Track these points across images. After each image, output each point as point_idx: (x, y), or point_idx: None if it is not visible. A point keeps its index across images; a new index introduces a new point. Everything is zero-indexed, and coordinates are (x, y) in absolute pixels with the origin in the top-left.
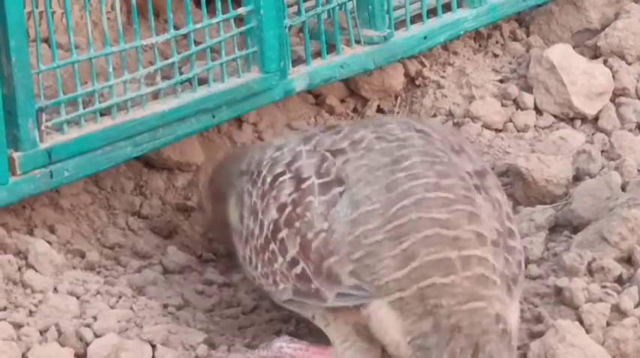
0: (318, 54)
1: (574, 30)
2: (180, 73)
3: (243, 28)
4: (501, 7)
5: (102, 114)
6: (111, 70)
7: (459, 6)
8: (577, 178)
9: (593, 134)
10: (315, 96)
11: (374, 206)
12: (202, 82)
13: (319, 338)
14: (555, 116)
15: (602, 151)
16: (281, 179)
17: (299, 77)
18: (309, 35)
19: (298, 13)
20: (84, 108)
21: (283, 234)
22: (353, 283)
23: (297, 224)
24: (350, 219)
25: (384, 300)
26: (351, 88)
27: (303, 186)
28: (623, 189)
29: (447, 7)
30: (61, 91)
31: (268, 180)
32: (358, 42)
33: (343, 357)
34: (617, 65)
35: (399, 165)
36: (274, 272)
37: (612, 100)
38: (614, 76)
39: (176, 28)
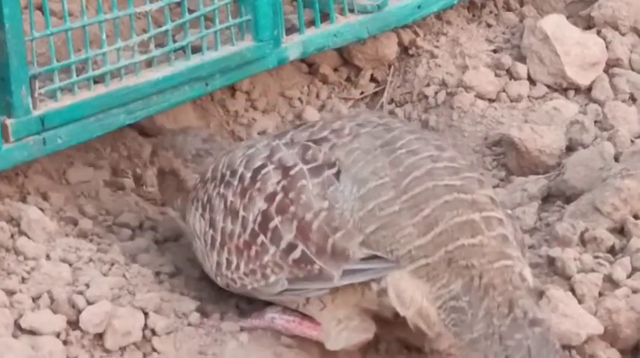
0: (311, 22)
1: (567, 0)
2: (174, 41)
3: None
4: None
5: (95, 82)
6: (104, 37)
7: None
8: (570, 148)
9: (586, 104)
10: (309, 65)
11: (383, 180)
12: (196, 50)
13: None
14: (549, 86)
15: (596, 122)
16: (263, 171)
17: (292, 46)
18: (302, 3)
19: None
20: (77, 75)
21: (276, 222)
22: (365, 254)
23: (291, 208)
24: (358, 196)
25: (404, 270)
26: (345, 57)
27: (292, 172)
28: (616, 159)
29: None
30: (55, 59)
31: (248, 175)
32: (352, 11)
33: (338, 338)
34: (611, 36)
35: (394, 145)
36: (264, 265)
37: (606, 71)
38: (607, 47)
39: None
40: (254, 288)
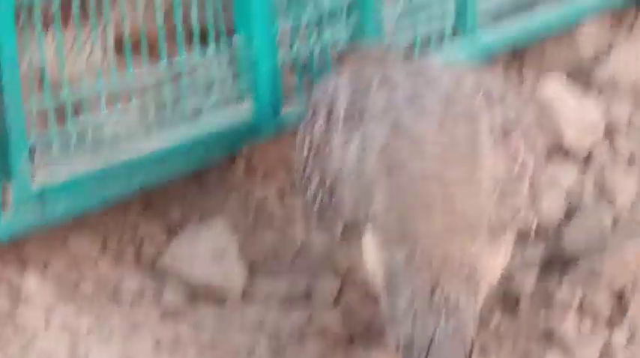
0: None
1: (567, 63)
2: (173, 108)
3: (236, 63)
4: (494, 42)
5: (96, 151)
6: (104, 105)
7: (451, 39)
8: (568, 214)
9: (584, 169)
10: None
11: (375, 142)
12: (195, 117)
13: None
14: (547, 151)
15: (594, 187)
16: (319, 110)
17: (292, 113)
18: (301, 70)
19: (291, 49)
20: (77, 144)
21: (310, 165)
22: (351, 216)
23: (319, 156)
24: (356, 154)
25: (373, 232)
26: None
27: (332, 118)
28: (615, 225)
29: (439, 40)
30: (55, 127)
31: (311, 111)
32: None
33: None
34: (610, 99)
35: (412, 106)
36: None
37: (605, 135)
38: (606, 110)
39: (169, 62)
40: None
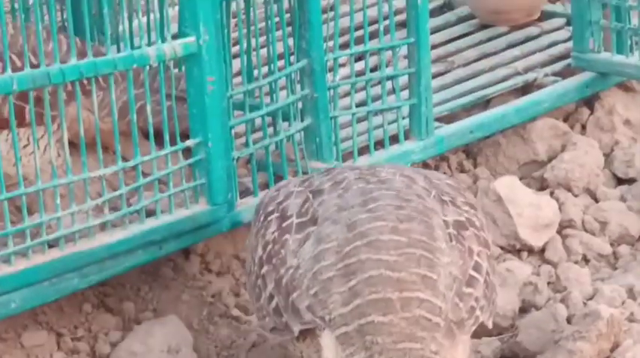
0: (266, 185)
1: (521, 161)
2: (129, 205)
3: (191, 160)
4: (449, 139)
5: (49, 246)
6: (58, 202)
7: (407, 138)
8: (523, 310)
9: (539, 266)
10: None
11: (332, 244)
12: (150, 213)
13: None
14: (502, 247)
15: (549, 283)
16: (270, 218)
17: (246, 209)
18: (256, 167)
19: (246, 144)
20: (31, 239)
21: (264, 270)
22: (309, 318)
23: (274, 261)
24: (312, 256)
25: (332, 333)
26: None
27: (284, 224)
28: (569, 321)
29: (394, 139)
30: (9, 223)
31: (262, 218)
32: (306, 173)
33: None
34: (564, 197)
35: (365, 206)
36: (260, 307)
37: (559, 232)
38: (560, 208)
39: (124, 160)
40: (260, 325)
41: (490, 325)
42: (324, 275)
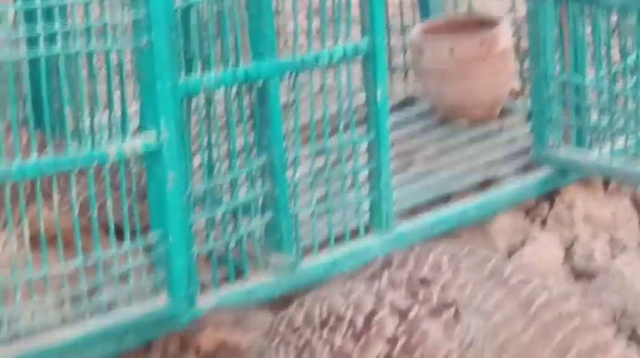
0: (226, 280)
1: None
2: (89, 300)
3: (151, 255)
4: (410, 234)
5: (9, 341)
6: (19, 297)
7: (367, 233)
8: None
9: None
10: None
11: (509, 311)
12: (110, 308)
13: None
14: None
15: None
16: (377, 317)
17: (207, 304)
18: (217, 262)
19: (207, 240)
20: None
21: None
22: None
23: (418, 351)
24: (488, 330)
25: None
26: None
27: (410, 316)
28: None
29: (354, 234)
30: None
31: (360, 319)
32: (267, 267)
33: None
34: None
35: (502, 275)
36: None
37: None
38: None
39: (85, 255)
40: None
41: None
42: (519, 340)
